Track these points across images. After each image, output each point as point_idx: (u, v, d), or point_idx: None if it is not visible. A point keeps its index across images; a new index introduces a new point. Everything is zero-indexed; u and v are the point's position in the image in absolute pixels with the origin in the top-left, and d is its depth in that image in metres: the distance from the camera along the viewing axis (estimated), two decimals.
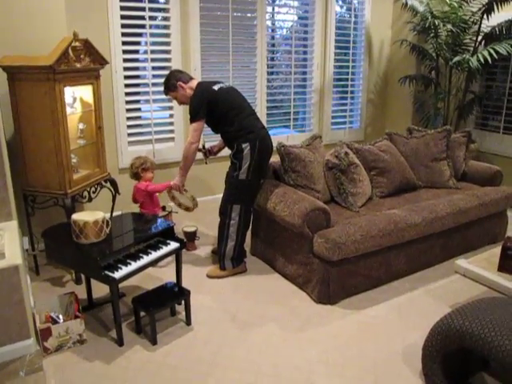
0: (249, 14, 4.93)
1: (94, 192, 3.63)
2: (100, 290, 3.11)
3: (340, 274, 3.10)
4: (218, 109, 3.32)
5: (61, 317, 2.65)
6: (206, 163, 3.87)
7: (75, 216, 2.65)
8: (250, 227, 3.76)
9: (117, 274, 2.51)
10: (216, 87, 3.37)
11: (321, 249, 2.99)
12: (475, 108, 5.56)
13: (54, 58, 2.98)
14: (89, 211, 2.78)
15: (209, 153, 3.82)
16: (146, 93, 4.49)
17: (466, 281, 3.33)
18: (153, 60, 4.42)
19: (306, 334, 2.81)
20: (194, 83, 3.46)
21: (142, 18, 4.26)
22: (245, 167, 3.33)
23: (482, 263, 2.91)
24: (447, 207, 3.59)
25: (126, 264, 2.61)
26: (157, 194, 3.78)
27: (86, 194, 3.57)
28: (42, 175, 3.25)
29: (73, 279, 3.36)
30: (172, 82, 3.50)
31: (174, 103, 4.52)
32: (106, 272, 2.50)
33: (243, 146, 3.31)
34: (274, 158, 3.58)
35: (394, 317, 3.00)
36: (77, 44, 3.20)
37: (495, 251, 3.03)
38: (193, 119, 3.33)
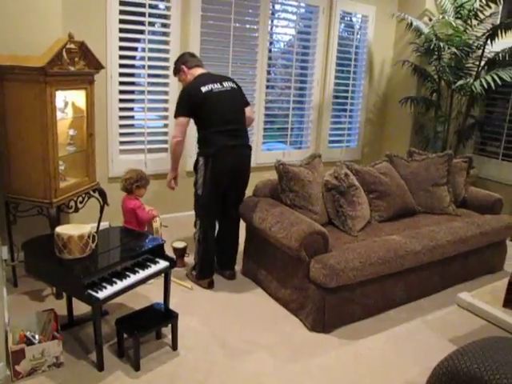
0: (251, 26, 4.83)
1: (81, 202, 3.45)
2: (82, 306, 2.90)
3: (336, 301, 2.95)
4: (198, 112, 3.23)
5: (37, 336, 2.45)
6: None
7: (59, 229, 2.47)
8: (243, 247, 3.64)
9: (101, 294, 2.33)
10: (204, 88, 3.20)
11: (318, 275, 2.85)
12: (475, 133, 5.50)
13: (46, 60, 2.82)
14: (74, 224, 2.62)
15: None
16: (141, 100, 4.34)
17: (464, 313, 3.22)
18: (150, 67, 4.27)
19: (299, 365, 2.65)
20: (196, 71, 3.37)
21: (142, 23, 4.12)
22: (200, 182, 3.27)
23: (486, 297, 2.79)
24: (448, 235, 3.48)
25: (111, 283, 2.43)
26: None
27: (72, 203, 3.39)
28: (27, 182, 3.07)
29: (53, 293, 3.17)
30: (177, 64, 3.47)
31: (170, 112, 4.41)
32: (89, 291, 2.32)
33: (199, 158, 3.27)
34: (272, 176, 3.45)
35: (391, 349, 2.86)
36: (72, 46, 3.05)
37: (499, 285, 2.92)
38: (175, 114, 3.28)
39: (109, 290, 2.39)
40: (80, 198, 3.45)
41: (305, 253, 2.90)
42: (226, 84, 3.32)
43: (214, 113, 3.23)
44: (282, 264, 3.18)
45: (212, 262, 3.49)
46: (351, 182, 3.47)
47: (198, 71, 3.38)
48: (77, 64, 3.13)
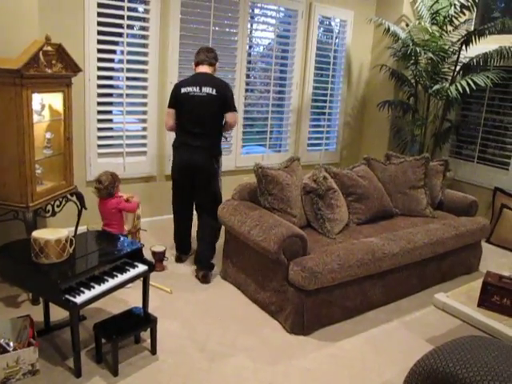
0: (231, 30, 4.84)
1: (58, 206, 3.41)
2: (59, 311, 2.87)
3: (315, 303, 2.97)
4: (176, 109, 3.60)
5: (11, 344, 2.40)
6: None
7: (36, 233, 2.44)
8: (222, 250, 3.65)
9: (78, 299, 2.31)
10: (183, 90, 3.52)
11: (296, 277, 2.86)
12: (451, 136, 5.60)
13: (22, 62, 2.79)
14: (51, 228, 2.59)
15: None
16: (120, 103, 4.30)
17: (441, 313, 3.25)
18: (128, 70, 4.25)
19: (279, 368, 2.65)
20: (197, 69, 3.63)
21: (120, 26, 4.09)
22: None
23: (461, 298, 2.84)
24: (425, 237, 3.54)
25: (89, 287, 2.41)
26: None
27: (49, 207, 3.34)
28: (2, 186, 3.02)
29: (29, 299, 3.12)
30: None
31: (149, 116, 4.39)
32: (67, 296, 2.29)
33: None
34: (252, 179, 3.47)
35: (369, 350, 2.89)
36: (49, 48, 3.02)
37: (474, 285, 2.97)
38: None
39: (87, 294, 2.37)
40: (57, 202, 3.41)
41: (284, 256, 2.92)
42: (205, 89, 3.49)
43: (185, 113, 3.55)
44: (261, 267, 3.19)
45: (181, 242, 3.89)
46: (330, 185, 3.50)
47: (198, 69, 3.62)
48: (54, 66, 3.10)
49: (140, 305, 2.82)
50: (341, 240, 3.35)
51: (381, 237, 3.42)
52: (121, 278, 2.58)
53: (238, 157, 5.13)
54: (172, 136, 3.81)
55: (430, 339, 3.05)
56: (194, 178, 3.59)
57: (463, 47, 4.98)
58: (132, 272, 2.65)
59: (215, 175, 3.68)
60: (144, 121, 4.45)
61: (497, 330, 2.58)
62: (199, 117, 3.50)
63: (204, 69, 3.60)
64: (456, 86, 4.80)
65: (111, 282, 2.52)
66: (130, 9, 4.12)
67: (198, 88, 3.48)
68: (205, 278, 3.58)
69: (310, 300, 2.93)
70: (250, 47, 5.14)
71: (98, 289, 2.44)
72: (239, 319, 3.13)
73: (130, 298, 3.21)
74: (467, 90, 4.69)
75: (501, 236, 4.85)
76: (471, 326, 2.81)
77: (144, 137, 4.47)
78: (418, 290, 3.66)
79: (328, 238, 3.35)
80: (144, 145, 4.49)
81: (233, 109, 3.61)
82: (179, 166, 3.62)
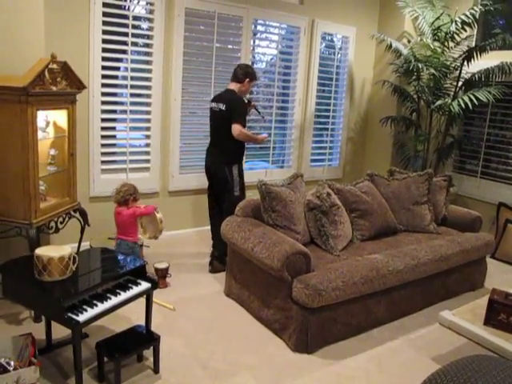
0: (234, 46, 4.88)
1: (61, 222, 3.41)
2: (61, 328, 2.84)
3: (319, 321, 2.95)
4: None
5: (12, 363, 2.36)
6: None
7: (39, 251, 2.43)
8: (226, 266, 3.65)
9: (81, 317, 2.28)
10: (210, 104, 4.05)
11: (300, 295, 2.84)
12: (454, 151, 5.60)
13: (28, 80, 2.81)
14: (54, 246, 2.58)
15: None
16: (124, 120, 4.32)
17: (446, 331, 3.22)
18: (132, 87, 4.27)
19: None
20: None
21: (125, 43, 4.13)
22: None
23: (467, 315, 2.81)
24: (429, 253, 3.51)
25: (91, 305, 2.39)
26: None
27: (52, 224, 3.34)
28: (5, 202, 3.02)
29: (31, 316, 3.10)
30: None
31: (152, 131, 4.41)
32: (70, 314, 2.27)
33: None
34: (255, 195, 3.48)
35: (374, 369, 2.85)
36: (54, 66, 3.04)
37: (480, 303, 2.94)
38: None
39: (89, 312, 2.35)
40: (60, 219, 3.41)
41: (287, 273, 2.90)
42: (220, 105, 3.92)
43: (210, 124, 4.09)
44: (265, 284, 3.17)
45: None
46: (333, 201, 3.49)
47: (228, 85, 4.05)
48: (59, 84, 3.12)
49: (143, 322, 2.80)
50: (345, 257, 3.33)
51: (385, 253, 3.40)
52: (124, 295, 2.55)
53: None
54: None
55: (436, 358, 3.01)
56: (212, 178, 4.09)
57: (465, 63, 5.01)
58: (135, 290, 2.62)
59: (226, 182, 3.94)
60: (148, 137, 4.47)
61: (504, 349, 2.55)
62: (214, 128, 4.03)
63: (231, 85, 4.00)
64: (458, 101, 4.81)
65: (114, 300, 2.49)
66: (134, 26, 4.16)
67: (216, 104, 3.95)
68: (209, 265, 4.08)
69: (313, 318, 2.90)
70: (253, 63, 5.17)
71: (101, 307, 2.41)
72: (242, 337, 3.10)
73: (133, 315, 3.19)
74: (469, 105, 4.71)
75: (506, 251, 4.82)
76: (477, 345, 2.79)
77: (147, 153, 4.49)
78: (422, 306, 3.63)
79: (332, 255, 3.34)
80: (147, 161, 4.49)
81: (236, 120, 3.82)
82: (205, 167, 4.14)
